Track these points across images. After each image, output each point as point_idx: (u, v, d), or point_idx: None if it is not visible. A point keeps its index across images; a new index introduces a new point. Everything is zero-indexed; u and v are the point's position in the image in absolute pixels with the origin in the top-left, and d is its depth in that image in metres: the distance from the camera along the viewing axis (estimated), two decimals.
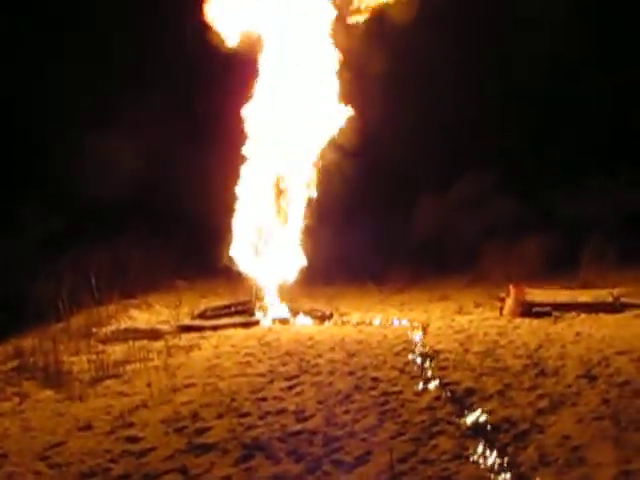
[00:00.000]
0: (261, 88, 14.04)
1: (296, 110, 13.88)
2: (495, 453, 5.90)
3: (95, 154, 17.10)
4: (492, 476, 5.51)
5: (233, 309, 13.23)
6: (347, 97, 14.16)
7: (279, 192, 13.98)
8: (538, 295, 12.70)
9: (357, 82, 14.47)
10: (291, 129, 13.91)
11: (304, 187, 14.05)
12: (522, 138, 19.41)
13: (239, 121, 13.93)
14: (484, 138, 18.39)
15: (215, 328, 12.03)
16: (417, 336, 10.71)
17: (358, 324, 12.59)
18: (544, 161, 19.19)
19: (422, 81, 18.68)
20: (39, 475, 6.07)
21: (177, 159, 17.25)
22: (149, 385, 8.52)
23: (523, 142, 19.41)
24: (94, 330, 11.58)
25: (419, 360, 9.15)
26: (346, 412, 7.19)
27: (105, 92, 19.60)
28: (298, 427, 6.83)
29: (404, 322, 12.25)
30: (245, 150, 13.91)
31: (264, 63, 14.15)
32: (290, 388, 8.17)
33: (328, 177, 14.44)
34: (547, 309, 12.30)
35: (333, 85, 14.01)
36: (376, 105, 15.87)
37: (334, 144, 14.13)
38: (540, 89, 20.18)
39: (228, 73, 14.78)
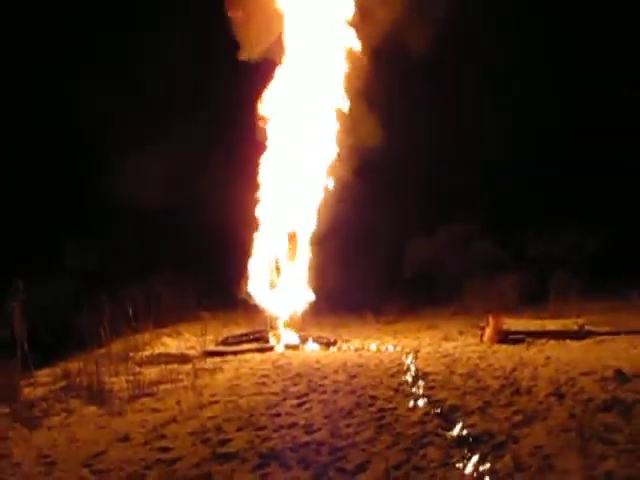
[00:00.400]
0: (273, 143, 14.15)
1: (301, 168, 14.01)
2: (476, 461, 5.87)
3: (132, 196, 17.15)
4: None
5: (251, 337, 13.23)
6: (346, 152, 14.25)
7: (290, 236, 14.01)
8: (513, 324, 12.69)
9: (356, 143, 14.47)
10: (297, 184, 14.00)
11: (310, 232, 14.11)
12: (500, 190, 19.39)
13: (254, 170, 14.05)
14: (468, 190, 18.39)
15: (235, 353, 12.01)
16: (409, 360, 10.66)
17: (358, 350, 12.55)
18: (517, 211, 19.20)
19: (418, 137, 18.66)
20: None
21: (204, 206, 17.21)
22: (178, 402, 8.49)
23: (500, 194, 19.40)
24: (131, 355, 11.57)
25: (411, 381, 9.11)
26: (348, 426, 7.15)
27: (138, 124, 19.45)
28: (307, 439, 6.80)
29: (398, 348, 12.22)
30: (260, 201, 14.00)
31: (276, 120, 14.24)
32: (300, 405, 8.13)
33: (331, 224, 14.48)
34: (521, 336, 12.30)
35: (332, 146, 14.14)
36: (373, 160, 15.82)
37: (335, 196, 14.21)
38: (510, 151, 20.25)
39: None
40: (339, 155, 14.19)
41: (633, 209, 18.66)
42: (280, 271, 13.99)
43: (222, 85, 16.56)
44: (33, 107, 20.45)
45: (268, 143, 14.16)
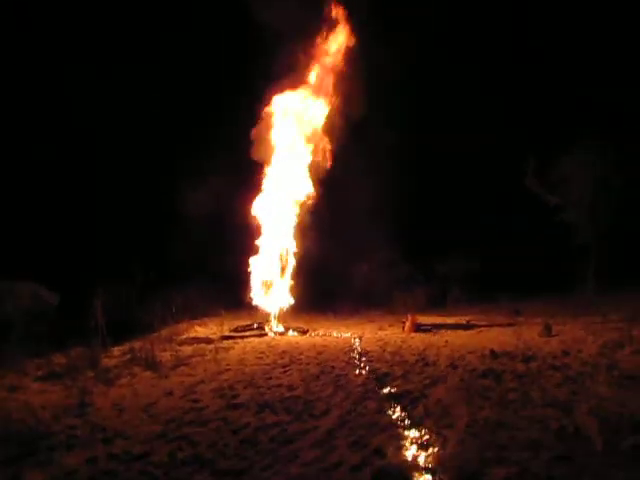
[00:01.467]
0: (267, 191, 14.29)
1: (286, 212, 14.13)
2: (400, 409, 5.95)
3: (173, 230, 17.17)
4: (399, 423, 5.56)
5: (253, 326, 13.19)
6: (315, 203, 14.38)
7: (280, 259, 14.07)
8: (423, 320, 12.75)
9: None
10: (284, 224, 14.10)
11: (293, 257, 14.18)
12: (413, 228, 19.44)
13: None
14: (394, 228, 18.44)
15: (243, 337, 12.00)
16: (356, 343, 10.69)
17: (323, 336, 12.57)
18: (427, 242, 19.25)
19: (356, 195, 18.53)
20: (142, 420, 6.05)
21: (224, 237, 17.05)
22: (205, 370, 8.50)
23: (413, 231, 19.42)
24: (174, 337, 11.52)
25: (357, 356, 9.15)
26: (316, 386, 7.19)
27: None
28: (289, 394, 6.83)
29: (348, 335, 12.23)
30: (259, 236, 14.07)
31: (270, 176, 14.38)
32: (285, 372, 8.15)
33: (307, 252, 14.54)
34: (428, 328, 12.33)
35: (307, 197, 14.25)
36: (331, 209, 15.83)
37: (309, 234, 14.35)
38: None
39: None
40: (311, 205, 14.33)
41: (499, 242, 18.83)
42: (272, 282, 14.02)
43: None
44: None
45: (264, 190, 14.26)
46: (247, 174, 14.69)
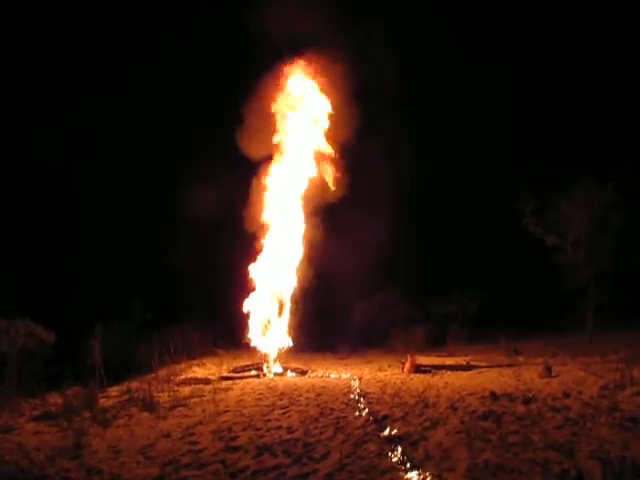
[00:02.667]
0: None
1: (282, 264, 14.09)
2: (400, 452, 5.88)
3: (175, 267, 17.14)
4: (399, 466, 5.50)
5: (251, 367, 13.08)
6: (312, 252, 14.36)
7: (278, 302, 14.04)
8: (423, 360, 12.64)
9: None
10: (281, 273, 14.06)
11: (291, 301, 14.13)
12: (412, 270, 19.47)
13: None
14: (393, 267, 18.44)
15: (241, 378, 11.90)
16: (355, 384, 10.59)
17: (322, 376, 12.47)
18: (425, 283, 19.28)
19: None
20: (139, 463, 6.00)
21: (223, 277, 17.00)
22: (203, 411, 8.41)
23: (414, 271, 19.47)
24: (172, 378, 11.43)
25: (356, 398, 9.06)
26: (315, 428, 7.11)
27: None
28: (288, 436, 6.77)
29: (348, 375, 12.12)
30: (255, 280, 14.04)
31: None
32: (284, 413, 8.07)
33: (304, 294, 14.51)
34: (428, 369, 12.23)
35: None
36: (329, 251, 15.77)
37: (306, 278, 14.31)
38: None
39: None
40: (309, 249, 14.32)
41: (498, 284, 18.83)
42: (270, 324, 13.95)
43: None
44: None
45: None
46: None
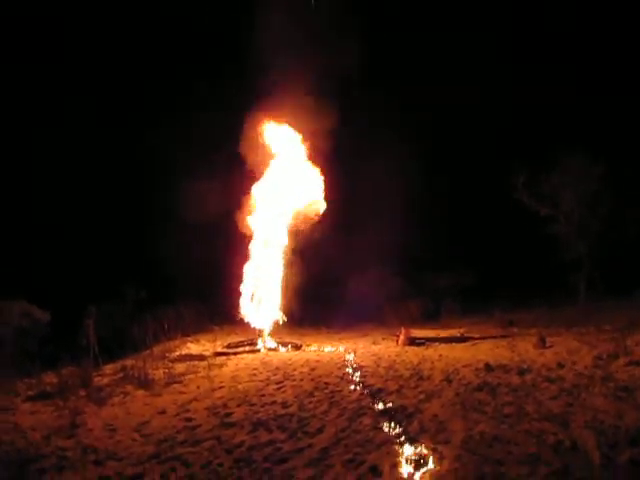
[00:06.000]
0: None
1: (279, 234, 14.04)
2: (395, 425, 5.88)
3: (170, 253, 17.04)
4: (394, 439, 5.49)
5: (246, 343, 13.06)
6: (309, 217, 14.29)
7: (272, 273, 13.98)
8: (417, 333, 12.69)
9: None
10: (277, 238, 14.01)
11: (286, 275, 14.09)
12: (407, 245, 19.38)
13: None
14: (387, 245, 18.37)
15: (235, 354, 11.87)
16: (350, 357, 10.59)
17: (316, 351, 12.47)
18: (420, 259, 19.24)
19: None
20: (134, 441, 5.97)
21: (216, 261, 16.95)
22: (198, 387, 8.39)
23: (407, 248, 19.37)
24: (166, 355, 11.39)
25: (351, 371, 9.06)
26: (310, 402, 7.12)
27: None
28: (283, 411, 6.76)
29: (342, 349, 12.12)
30: (251, 253, 13.97)
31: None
32: (278, 388, 8.06)
33: (299, 268, 14.49)
34: (422, 341, 12.25)
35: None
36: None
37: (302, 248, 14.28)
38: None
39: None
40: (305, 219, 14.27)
41: (490, 258, 18.85)
42: (264, 297, 13.89)
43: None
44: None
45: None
46: (239, 184, 14.54)
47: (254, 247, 13.93)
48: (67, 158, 19.72)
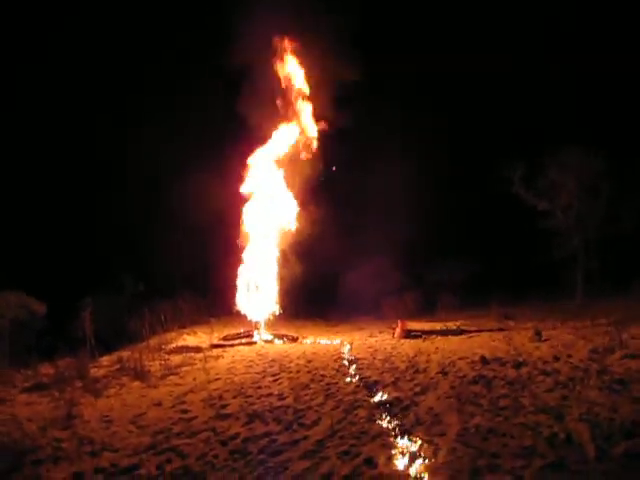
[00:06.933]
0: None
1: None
2: (390, 418, 5.88)
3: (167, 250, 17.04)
4: (390, 431, 5.49)
5: (242, 335, 13.07)
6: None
7: (268, 265, 14.01)
8: (414, 326, 12.63)
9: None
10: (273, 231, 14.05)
11: (281, 268, 14.12)
12: (404, 238, 19.37)
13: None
14: (385, 238, 18.36)
15: (232, 346, 11.88)
16: (346, 350, 10.60)
17: (312, 343, 12.48)
18: (416, 251, 19.24)
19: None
20: (131, 432, 5.98)
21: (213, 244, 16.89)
22: (194, 379, 8.41)
23: (404, 241, 19.35)
24: (163, 347, 11.42)
25: (347, 364, 9.06)
26: (306, 395, 7.12)
27: None
28: (279, 403, 6.77)
29: (338, 342, 12.13)
30: (245, 249, 14.01)
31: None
32: (274, 380, 8.07)
33: (295, 260, 14.51)
34: (419, 334, 12.20)
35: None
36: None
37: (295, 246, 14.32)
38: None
39: None
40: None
41: (487, 252, 18.87)
42: (261, 289, 13.90)
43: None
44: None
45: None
46: (233, 177, 14.55)
47: (251, 240, 13.95)
48: (64, 152, 19.69)
